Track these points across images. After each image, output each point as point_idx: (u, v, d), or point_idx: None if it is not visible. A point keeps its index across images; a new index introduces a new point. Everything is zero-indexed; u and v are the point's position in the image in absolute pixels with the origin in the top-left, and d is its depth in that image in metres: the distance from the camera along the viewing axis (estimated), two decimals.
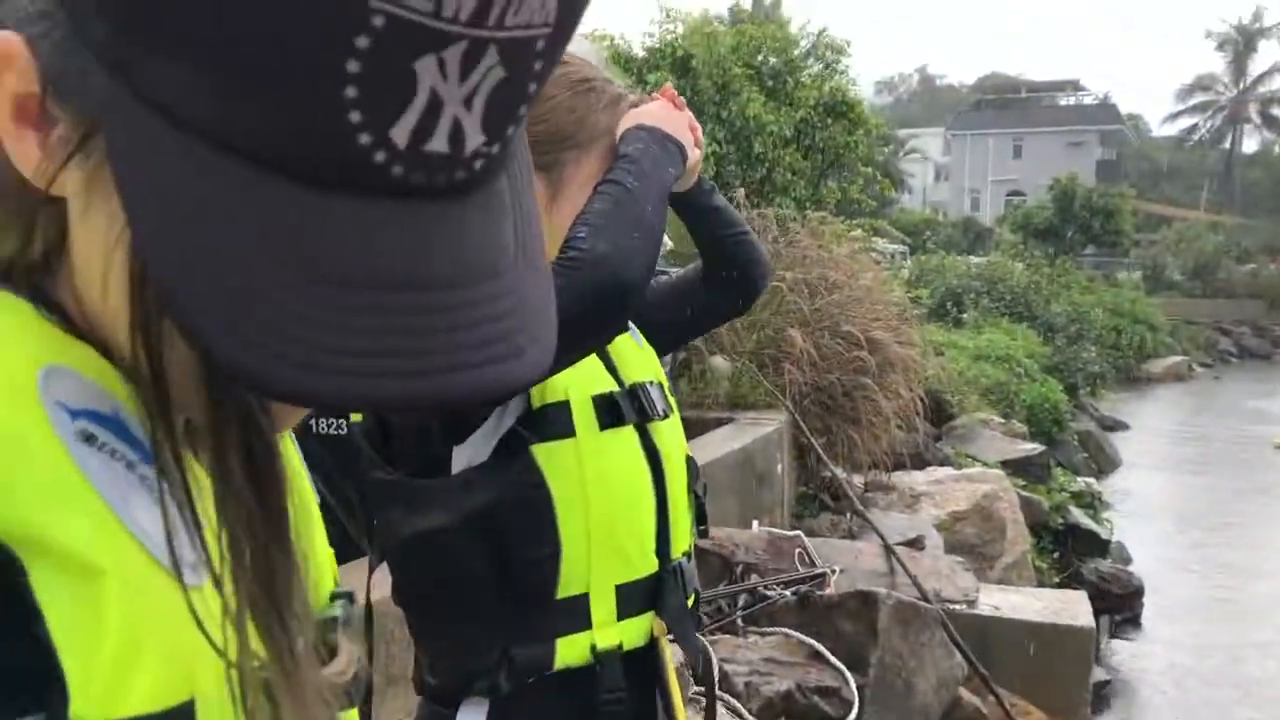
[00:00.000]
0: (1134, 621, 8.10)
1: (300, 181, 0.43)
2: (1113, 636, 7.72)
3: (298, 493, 0.65)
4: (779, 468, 5.62)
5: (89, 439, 0.47)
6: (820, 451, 5.99)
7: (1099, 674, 6.50)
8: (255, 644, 0.51)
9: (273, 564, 0.52)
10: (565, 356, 1.29)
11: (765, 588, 4.32)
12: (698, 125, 1.44)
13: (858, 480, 6.68)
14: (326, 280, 0.43)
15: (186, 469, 0.51)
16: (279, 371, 0.42)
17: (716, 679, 3.55)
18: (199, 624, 0.48)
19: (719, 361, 6.12)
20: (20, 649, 0.43)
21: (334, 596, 0.64)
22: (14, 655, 0.43)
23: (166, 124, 0.42)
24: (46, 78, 0.46)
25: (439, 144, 0.43)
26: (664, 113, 1.38)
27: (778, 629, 4.07)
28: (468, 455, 1.29)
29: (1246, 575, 9.66)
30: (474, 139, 0.44)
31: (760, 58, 11.61)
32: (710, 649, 4.04)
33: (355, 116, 0.41)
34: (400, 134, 0.42)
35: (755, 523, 5.05)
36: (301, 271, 0.42)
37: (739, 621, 4.16)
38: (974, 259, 23.10)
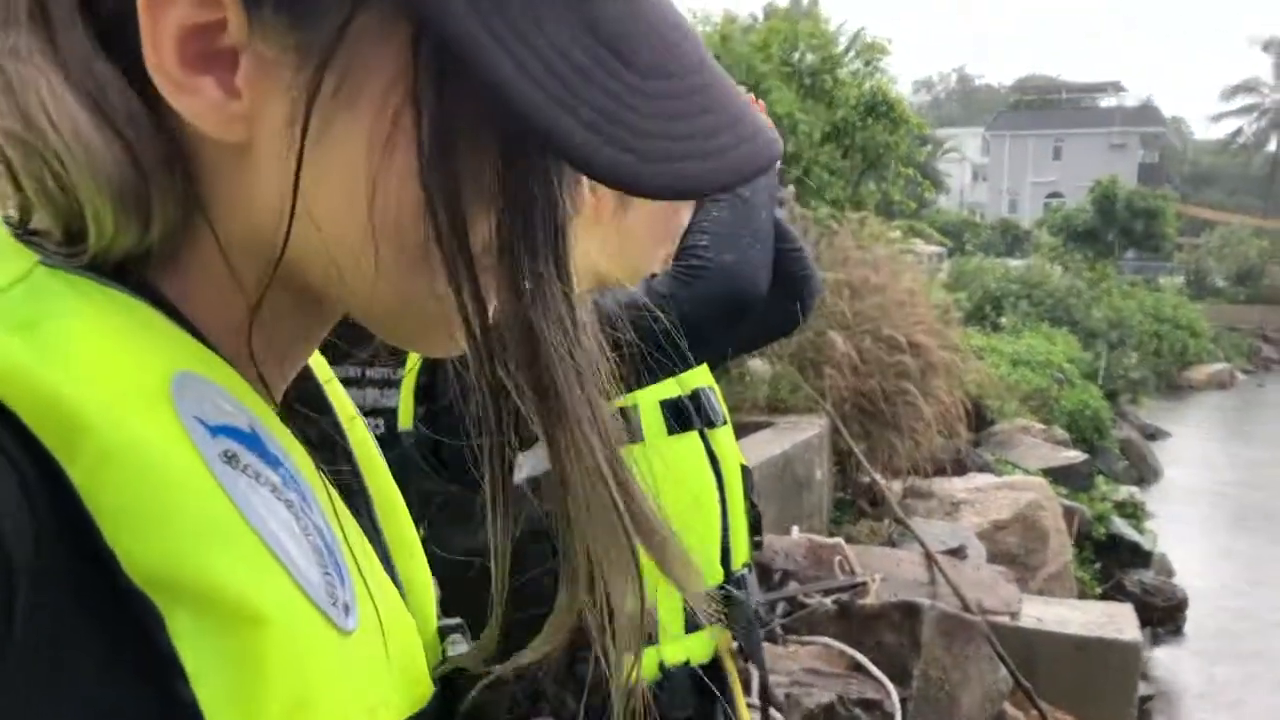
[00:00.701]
0: (1177, 634, 7.96)
1: None
2: (1155, 646, 7.58)
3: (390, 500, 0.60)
4: (819, 473, 5.55)
5: (231, 459, 0.41)
6: (861, 458, 5.91)
7: (1142, 688, 6.39)
8: None
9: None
10: (682, 366, 1.26)
11: (805, 595, 4.26)
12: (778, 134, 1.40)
13: (896, 487, 6.59)
14: (632, 68, 0.42)
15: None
16: (625, 161, 0.41)
17: (758, 689, 3.49)
18: (361, 674, 0.43)
19: (758, 364, 6.05)
20: (152, 713, 0.37)
21: (445, 630, 0.60)
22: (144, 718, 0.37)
23: None
24: None
25: None
26: None
27: (818, 638, 4.00)
28: (529, 465, 1.25)
29: None
30: None
31: (797, 55, 11.50)
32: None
33: None
34: None
35: (794, 529, 4.98)
36: (612, 60, 0.42)
37: (778, 629, 4.09)
38: (1012, 262, 22.86)
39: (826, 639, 3.97)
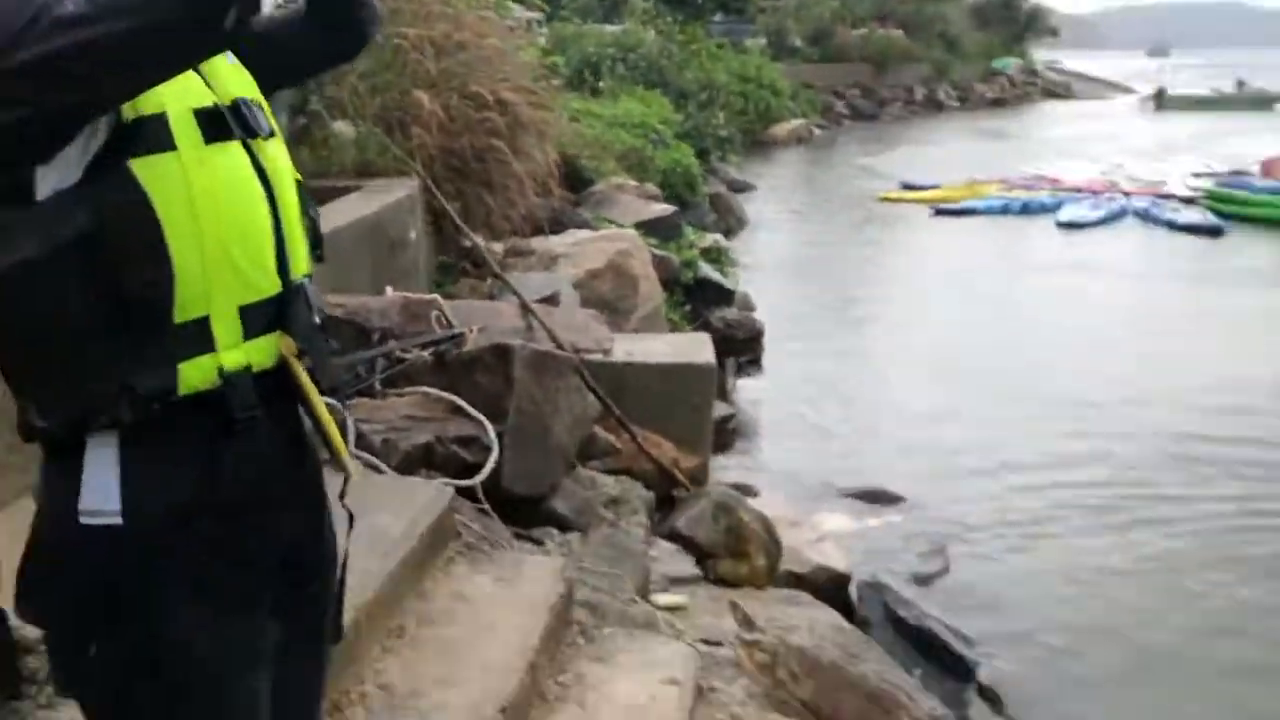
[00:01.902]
0: (756, 363, 8.86)
1: None
2: (738, 377, 8.42)
3: None
4: (412, 234, 5.53)
5: None
6: (455, 217, 5.94)
7: (724, 409, 7.11)
8: None
9: None
10: (171, 66, 1.19)
11: (402, 350, 4.31)
12: None
13: (498, 247, 6.72)
14: None
15: None
16: None
17: (353, 438, 3.55)
18: None
19: (342, 126, 5.85)
20: None
21: None
22: None
23: None
24: None
25: None
26: None
27: (416, 389, 4.09)
28: (55, 180, 1.18)
29: (856, 317, 10.76)
30: None
31: None
32: (345, 410, 4.02)
33: None
34: None
35: (389, 289, 4.97)
36: None
37: (377, 385, 4.14)
38: (609, 27, 23.16)
39: (424, 388, 4.07)
